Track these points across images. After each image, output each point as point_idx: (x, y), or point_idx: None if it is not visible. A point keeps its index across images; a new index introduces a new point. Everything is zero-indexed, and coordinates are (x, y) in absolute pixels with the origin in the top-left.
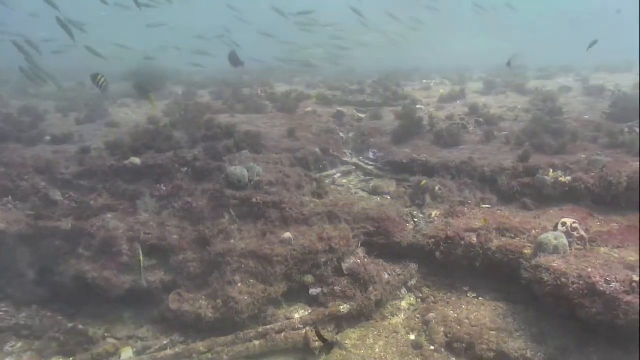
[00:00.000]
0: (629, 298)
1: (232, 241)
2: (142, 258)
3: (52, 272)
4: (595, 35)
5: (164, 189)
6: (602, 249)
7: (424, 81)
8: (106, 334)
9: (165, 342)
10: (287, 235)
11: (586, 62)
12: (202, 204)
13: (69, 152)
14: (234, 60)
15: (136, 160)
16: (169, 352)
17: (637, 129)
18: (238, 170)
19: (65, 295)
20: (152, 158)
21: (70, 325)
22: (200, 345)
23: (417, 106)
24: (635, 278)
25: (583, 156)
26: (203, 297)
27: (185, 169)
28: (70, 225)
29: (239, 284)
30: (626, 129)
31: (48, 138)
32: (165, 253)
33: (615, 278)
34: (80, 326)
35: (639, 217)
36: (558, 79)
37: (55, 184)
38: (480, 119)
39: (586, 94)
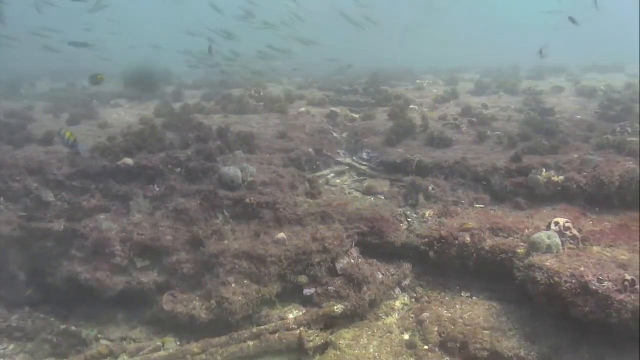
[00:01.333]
0: (621, 296)
1: (226, 242)
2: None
3: (45, 273)
4: (595, 35)
5: (157, 189)
6: (595, 248)
7: (417, 81)
8: (99, 335)
9: (158, 343)
10: (281, 235)
11: (578, 62)
12: (195, 204)
13: (61, 152)
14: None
15: (129, 161)
16: (162, 353)
17: (629, 129)
18: (231, 170)
19: (57, 296)
20: (145, 158)
21: (62, 326)
22: (194, 346)
23: (411, 106)
24: (627, 277)
25: (575, 156)
26: (197, 297)
27: (178, 169)
28: (62, 227)
29: (233, 285)
30: (618, 129)
31: (38, 138)
32: (158, 254)
33: (608, 277)
34: (73, 327)
35: (631, 216)
36: (550, 79)
37: (47, 185)
38: (474, 119)
39: (578, 93)
